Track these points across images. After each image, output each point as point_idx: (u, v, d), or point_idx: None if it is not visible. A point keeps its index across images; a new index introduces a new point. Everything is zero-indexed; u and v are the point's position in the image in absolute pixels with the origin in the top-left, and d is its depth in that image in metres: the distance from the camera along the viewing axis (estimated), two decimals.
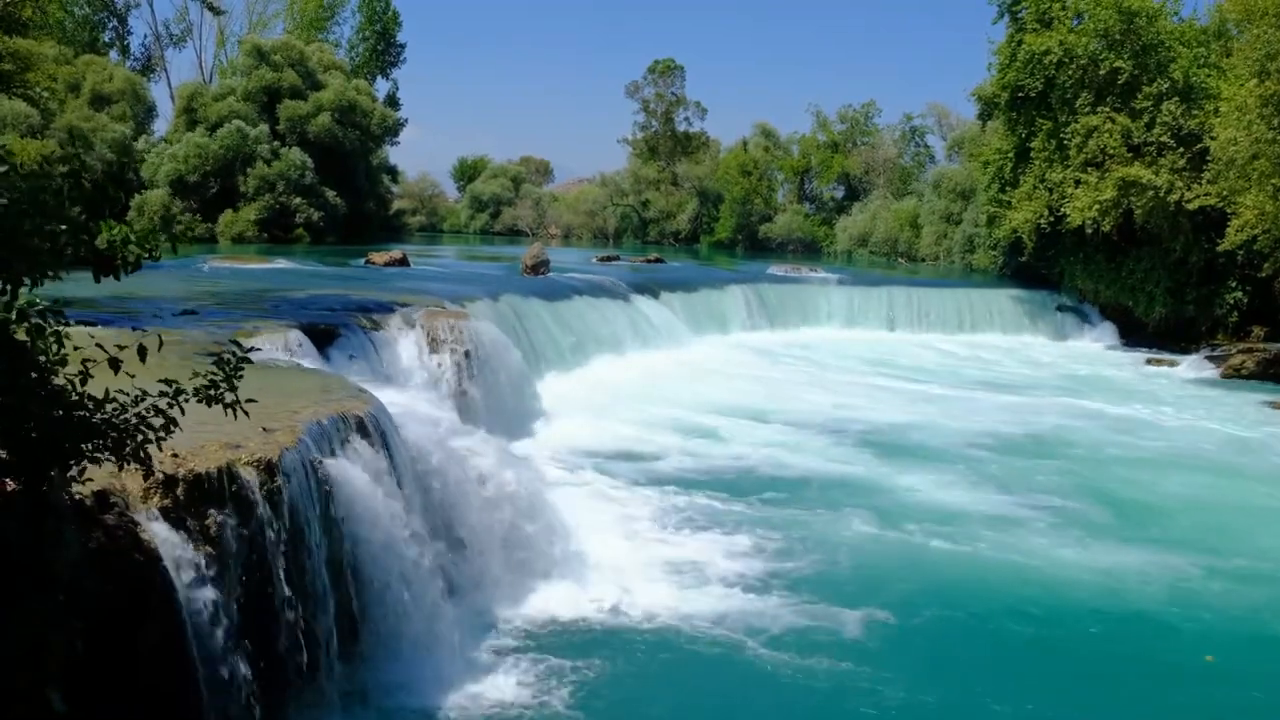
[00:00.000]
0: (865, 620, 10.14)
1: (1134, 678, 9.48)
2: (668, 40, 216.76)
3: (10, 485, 4.76)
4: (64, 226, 4.60)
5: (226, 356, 5.66)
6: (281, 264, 30.83)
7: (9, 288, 4.64)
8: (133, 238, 4.80)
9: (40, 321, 4.71)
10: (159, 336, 5.55)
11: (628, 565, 11.10)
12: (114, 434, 5.04)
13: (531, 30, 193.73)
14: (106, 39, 64.18)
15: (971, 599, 10.98)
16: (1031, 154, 34.68)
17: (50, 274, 4.72)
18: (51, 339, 4.79)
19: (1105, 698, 9.05)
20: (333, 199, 50.38)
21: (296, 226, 48.61)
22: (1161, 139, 31.16)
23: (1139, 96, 31.65)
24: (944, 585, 11.32)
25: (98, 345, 5.03)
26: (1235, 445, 19.26)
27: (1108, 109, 31.98)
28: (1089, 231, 32.18)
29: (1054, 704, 8.85)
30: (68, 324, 4.92)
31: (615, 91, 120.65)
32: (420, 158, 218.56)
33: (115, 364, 4.94)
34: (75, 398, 4.89)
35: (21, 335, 4.72)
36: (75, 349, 4.94)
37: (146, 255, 4.86)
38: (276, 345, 13.17)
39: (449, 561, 9.58)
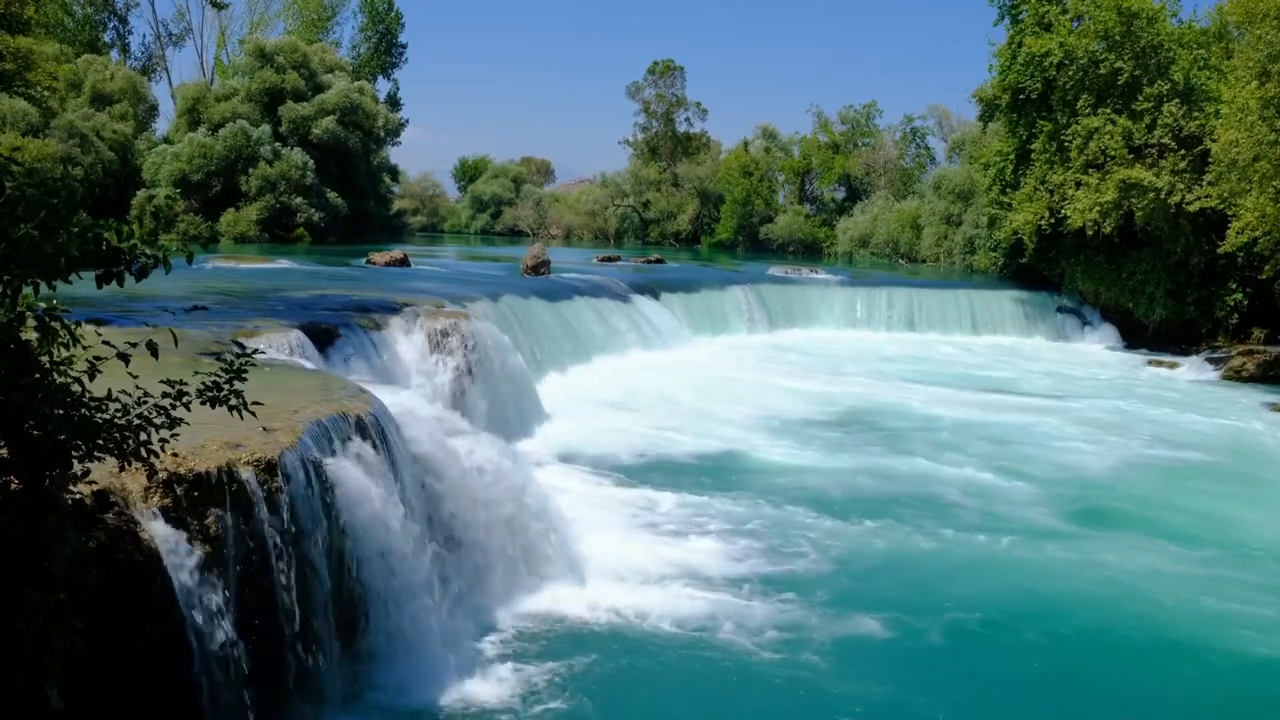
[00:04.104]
0: (871, 626, 10.13)
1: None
2: (668, 41, 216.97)
3: (13, 483, 4.77)
4: (75, 230, 4.59)
5: (229, 358, 5.69)
6: (283, 264, 30.85)
7: (9, 289, 4.65)
8: (140, 245, 4.78)
9: (47, 321, 4.72)
10: (172, 332, 5.57)
11: (628, 566, 11.11)
12: (116, 433, 5.05)
13: (533, 30, 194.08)
14: (107, 39, 64.20)
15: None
16: (1032, 156, 34.71)
17: (62, 280, 4.73)
18: (58, 339, 4.80)
19: None
20: (334, 199, 50.48)
21: (298, 226, 48.74)
22: (1162, 141, 31.17)
23: (1140, 98, 31.67)
24: (931, 581, 11.34)
25: (105, 343, 5.04)
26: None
27: (1108, 111, 32.00)
28: (1090, 233, 32.20)
29: None
30: (77, 324, 4.93)
31: (617, 92, 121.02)
32: (421, 157, 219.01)
33: (125, 359, 4.95)
34: (78, 396, 4.91)
35: (28, 333, 4.73)
36: (85, 348, 4.95)
37: (154, 264, 4.85)
38: (277, 345, 13.19)
39: (448, 561, 9.59)
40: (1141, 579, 11.67)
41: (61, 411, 4.82)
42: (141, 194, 46.09)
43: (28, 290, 4.76)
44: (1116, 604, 10.93)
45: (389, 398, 10.25)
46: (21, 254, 4.49)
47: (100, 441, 4.98)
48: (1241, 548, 12.99)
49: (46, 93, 41.51)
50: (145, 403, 5.29)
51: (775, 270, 40.51)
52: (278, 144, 49.79)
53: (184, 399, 5.36)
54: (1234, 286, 31.42)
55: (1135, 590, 11.32)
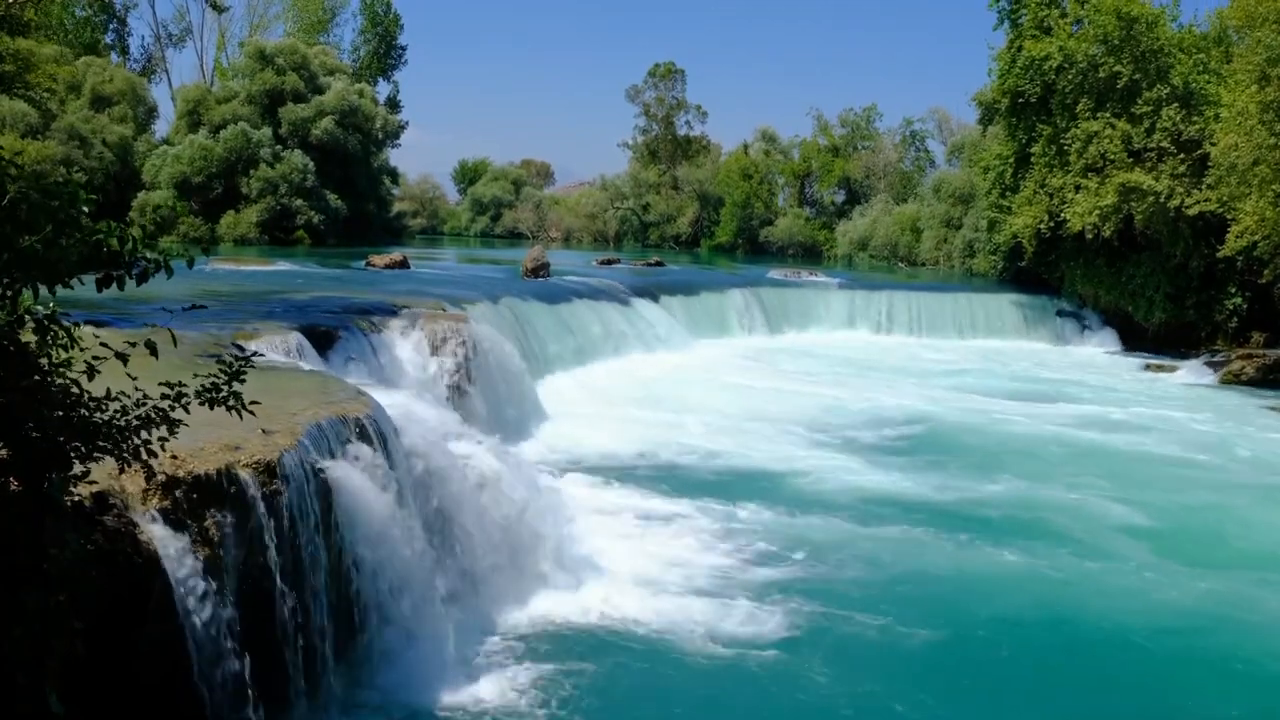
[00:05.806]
0: (870, 630, 10.14)
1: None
2: (668, 42, 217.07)
3: (12, 484, 4.77)
4: (77, 235, 4.59)
5: (228, 359, 5.70)
6: (283, 266, 30.84)
7: (9, 293, 4.66)
8: (141, 249, 4.77)
9: (45, 323, 4.72)
10: (171, 333, 5.57)
11: (626, 569, 11.10)
12: (115, 435, 5.06)
13: (533, 31, 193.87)
14: (108, 40, 64.20)
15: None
16: (1032, 159, 34.76)
17: (62, 285, 4.73)
18: (59, 342, 4.80)
19: None
20: (334, 201, 50.51)
21: (297, 228, 48.79)
22: (1162, 144, 31.21)
23: (1139, 102, 31.72)
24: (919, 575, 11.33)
25: (103, 344, 5.04)
26: None
27: (1108, 115, 32.04)
28: (1089, 237, 32.23)
29: None
30: (76, 325, 4.93)
31: (616, 93, 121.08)
32: (421, 160, 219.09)
33: (123, 359, 4.95)
34: (77, 397, 4.91)
35: (28, 336, 4.74)
36: (83, 350, 4.95)
37: (155, 269, 4.85)
38: (277, 347, 13.18)
39: (447, 564, 9.60)
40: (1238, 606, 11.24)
41: (61, 413, 4.83)
42: (141, 198, 46.09)
43: (26, 293, 4.77)
44: (1218, 632, 10.57)
45: (388, 400, 10.25)
46: (24, 260, 4.50)
47: (99, 442, 4.99)
48: None
49: (46, 95, 41.53)
50: (144, 404, 5.29)
51: (775, 273, 40.49)
52: (278, 146, 49.82)
53: (183, 400, 5.37)
54: (1233, 290, 31.45)
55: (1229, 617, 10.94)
